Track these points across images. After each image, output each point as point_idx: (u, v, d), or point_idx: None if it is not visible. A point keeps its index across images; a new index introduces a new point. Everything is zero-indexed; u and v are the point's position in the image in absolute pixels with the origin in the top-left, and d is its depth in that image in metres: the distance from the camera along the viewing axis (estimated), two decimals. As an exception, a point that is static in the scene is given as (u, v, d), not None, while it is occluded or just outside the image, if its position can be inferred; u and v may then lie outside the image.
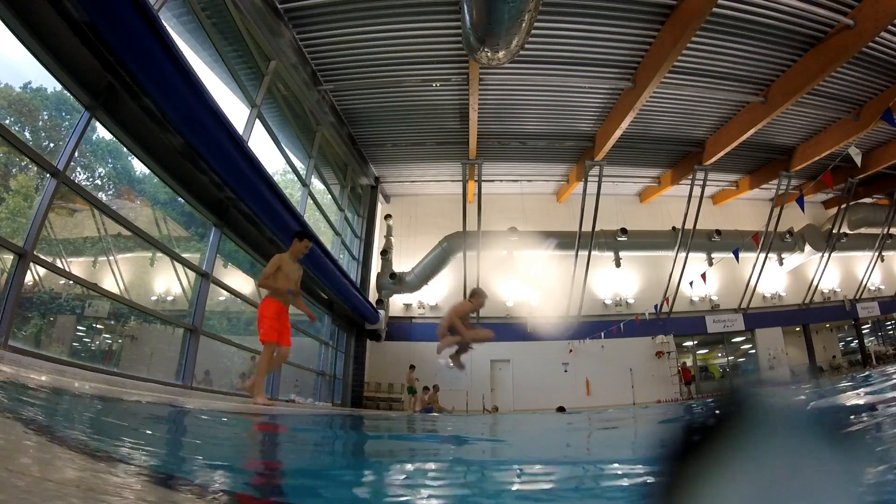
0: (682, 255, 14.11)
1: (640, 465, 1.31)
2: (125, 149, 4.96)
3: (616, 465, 1.60)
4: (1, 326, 3.38)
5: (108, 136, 4.86)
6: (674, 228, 14.56)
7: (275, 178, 6.64)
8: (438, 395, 12.26)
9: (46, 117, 5.19)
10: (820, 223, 16.21)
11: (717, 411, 0.58)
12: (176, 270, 6.52)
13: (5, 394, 1.37)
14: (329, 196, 12.28)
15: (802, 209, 9.37)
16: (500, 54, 7.02)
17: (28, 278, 3.93)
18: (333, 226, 11.85)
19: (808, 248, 15.24)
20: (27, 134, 5.24)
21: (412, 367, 12.95)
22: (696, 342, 15.92)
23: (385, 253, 14.09)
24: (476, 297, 5.31)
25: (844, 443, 0.56)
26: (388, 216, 15.00)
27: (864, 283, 16.32)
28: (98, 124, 4.46)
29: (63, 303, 5.00)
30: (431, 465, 1.65)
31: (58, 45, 3.84)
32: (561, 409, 11.51)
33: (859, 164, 9.39)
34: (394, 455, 2.12)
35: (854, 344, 16.64)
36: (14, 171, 4.50)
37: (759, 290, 15.42)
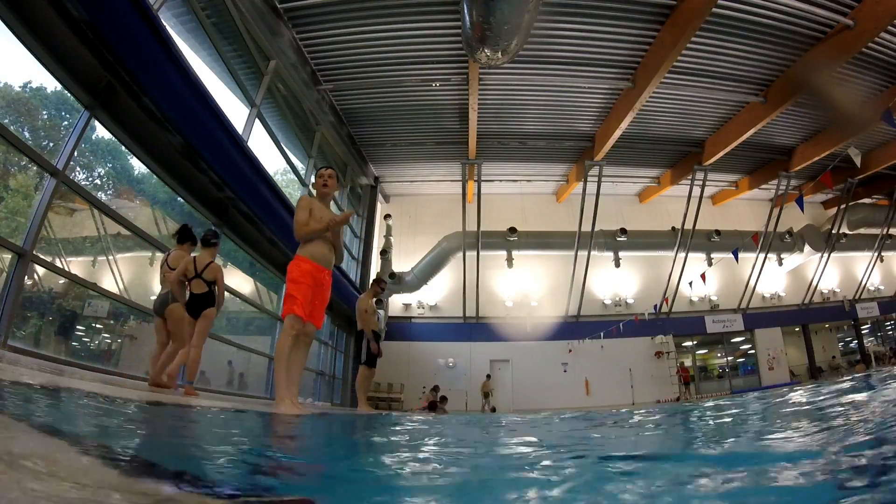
0: (682, 255, 14.13)
1: None
2: (125, 148, 4.97)
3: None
4: (0, 326, 3.37)
5: (107, 135, 4.86)
6: (673, 228, 14.57)
7: (275, 178, 6.64)
8: (446, 405, 11.28)
9: (46, 117, 5.19)
10: (819, 223, 16.22)
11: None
12: (175, 270, 6.51)
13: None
14: (329, 196, 12.27)
15: (802, 209, 9.35)
16: (500, 54, 7.04)
17: (28, 278, 3.93)
18: (333, 226, 11.82)
19: (807, 248, 15.25)
20: (27, 133, 5.23)
21: (489, 376, 13.57)
22: (695, 342, 15.93)
23: (385, 253, 14.09)
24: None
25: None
26: (387, 216, 15.00)
27: (863, 283, 16.34)
28: (98, 124, 4.46)
29: (63, 302, 5.00)
30: None
31: (57, 44, 3.84)
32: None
33: (859, 165, 9.41)
34: None
35: (853, 344, 16.65)
36: (13, 170, 4.49)
37: (758, 290, 15.43)
